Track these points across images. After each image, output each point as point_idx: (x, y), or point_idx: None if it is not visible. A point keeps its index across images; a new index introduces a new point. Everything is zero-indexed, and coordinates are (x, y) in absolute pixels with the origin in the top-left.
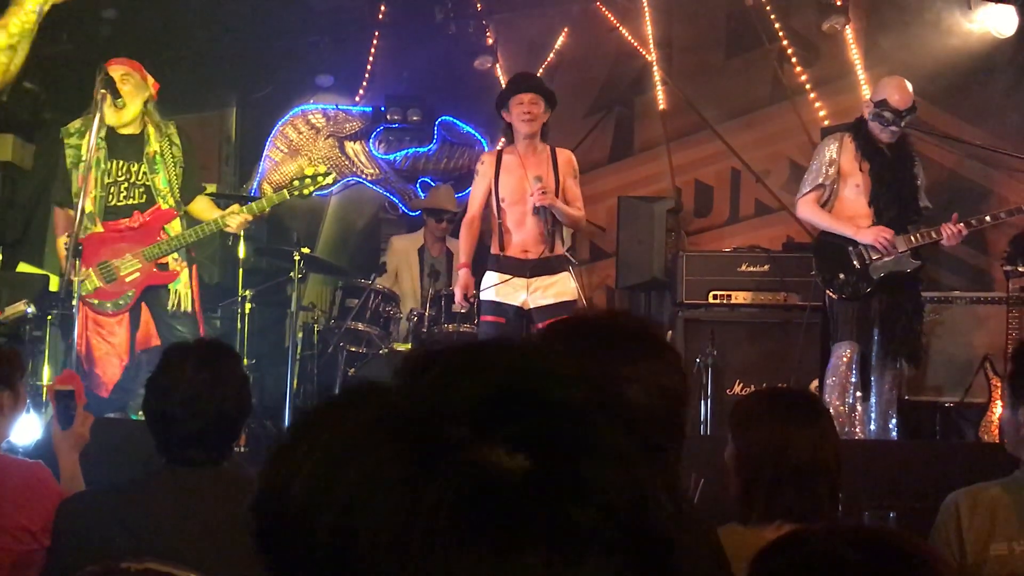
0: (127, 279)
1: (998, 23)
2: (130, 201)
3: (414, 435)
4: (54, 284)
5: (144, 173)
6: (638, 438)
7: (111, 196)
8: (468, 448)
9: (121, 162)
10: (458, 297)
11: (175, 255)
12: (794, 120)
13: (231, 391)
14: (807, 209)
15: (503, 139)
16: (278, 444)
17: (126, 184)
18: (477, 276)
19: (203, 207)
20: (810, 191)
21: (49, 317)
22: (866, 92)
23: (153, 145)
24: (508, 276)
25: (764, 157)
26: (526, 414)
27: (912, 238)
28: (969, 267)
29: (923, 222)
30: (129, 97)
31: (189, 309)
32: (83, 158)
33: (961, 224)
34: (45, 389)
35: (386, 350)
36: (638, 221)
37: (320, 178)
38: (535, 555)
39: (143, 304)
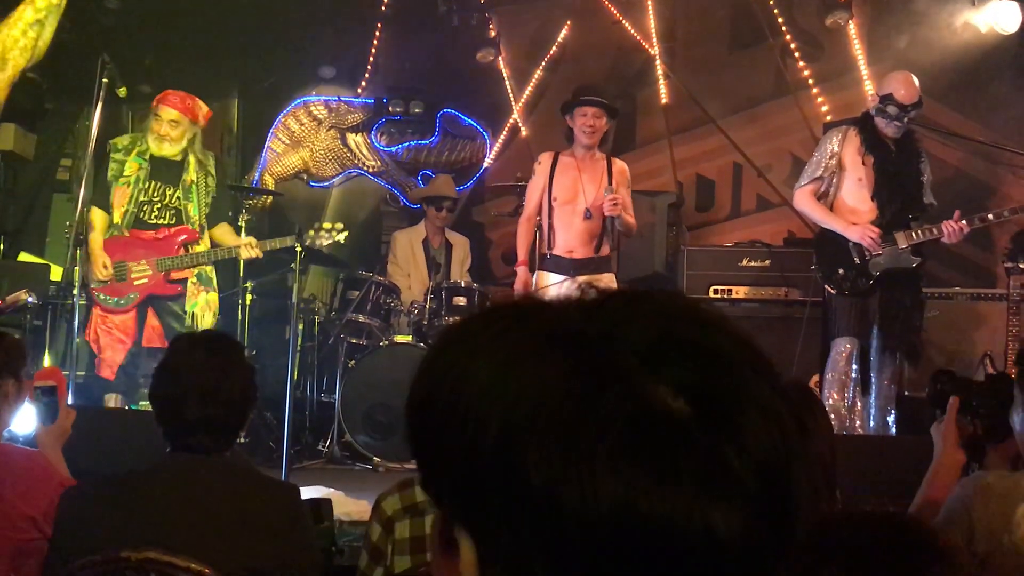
0: (135, 282)
1: (1003, 19)
2: (160, 221)
3: (588, 356)
4: (56, 274)
5: (178, 198)
6: (791, 405)
7: (144, 213)
8: (636, 380)
9: (159, 184)
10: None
11: (193, 279)
12: (797, 115)
13: (241, 380)
14: (803, 200)
15: (503, 135)
16: (442, 346)
17: (159, 205)
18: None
19: (223, 232)
20: (808, 183)
21: (48, 306)
22: (869, 88)
23: (191, 175)
24: (564, 276)
25: (766, 152)
26: (691, 361)
27: (913, 234)
28: (971, 263)
29: (927, 219)
30: (176, 138)
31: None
32: (124, 173)
33: (963, 222)
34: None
35: (386, 342)
36: (639, 215)
37: (335, 233)
38: (687, 489)
39: (150, 309)
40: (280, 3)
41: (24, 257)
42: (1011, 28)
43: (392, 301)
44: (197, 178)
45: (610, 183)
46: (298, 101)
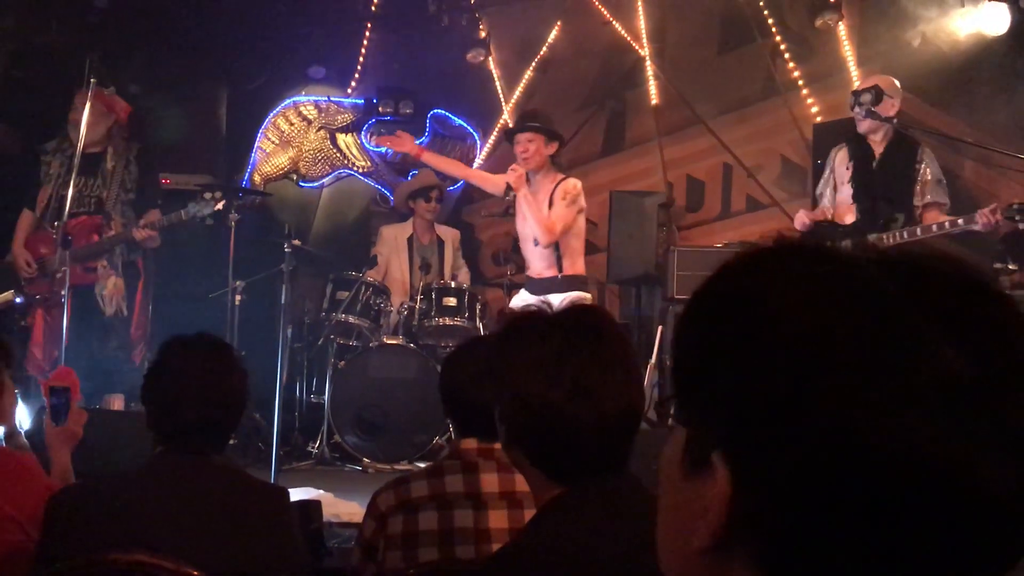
0: (56, 275)
1: (990, 21)
2: (81, 209)
3: (895, 311)
4: None
5: (98, 186)
6: None
7: (71, 205)
8: (937, 342)
9: (82, 178)
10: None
11: (104, 263)
12: (786, 116)
13: (238, 382)
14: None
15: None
16: (737, 273)
17: (78, 196)
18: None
19: (151, 217)
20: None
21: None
22: None
23: (109, 163)
24: (533, 296)
25: (756, 152)
26: (982, 331)
27: (885, 237)
28: None
29: (914, 219)
30: (91, 126)
31: (124, 312)
32: (49, 172)
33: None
34: (40, 383)
35: (376, 343)
36: (629, 216)
37: (214, 203)
38: (977, 446)
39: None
40: (269, 3)
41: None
42: (1000, 30)
43: (382, 302)
44: (115, 166)
45: (551, 206)
46: (288, 101)
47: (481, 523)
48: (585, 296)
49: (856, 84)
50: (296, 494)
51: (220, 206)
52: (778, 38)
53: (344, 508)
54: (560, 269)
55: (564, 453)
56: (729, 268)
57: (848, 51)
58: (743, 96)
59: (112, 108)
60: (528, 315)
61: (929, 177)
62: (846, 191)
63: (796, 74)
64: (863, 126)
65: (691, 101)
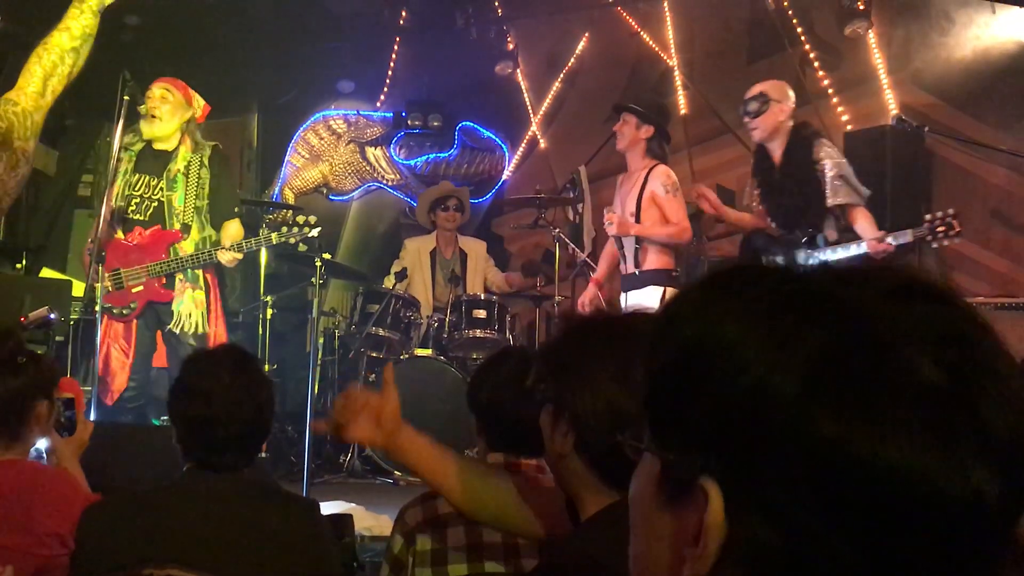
0: (132, 289)
1: (1021, 27)
2: (137, 216)
3: (861, 326)
4: (77, 289)
5: (161, 189)
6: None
7: (129, 208)
8: (907, 352)
9: (145, 176)
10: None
11: (180, 276)
12: (816, 124)
13: (265, 395)
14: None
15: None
16: (699, 303)
17: (138, 199)
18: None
19: (232, 231)
20: None
21: (71, 322)
22: (889, 96)
23: (179, 164)
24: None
25: None
26: (946, 337)
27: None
28: (995, 272)
29: (832, 222)
30: (166, 115)
31: (201, 331)
32: (120, 171)
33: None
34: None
35: (406, 355)
36: None
37: (307, 228)
38: (959, 454)
39: (158, 332)
40: (299, 18)
41: (46, 273)
42: None
43: (412, 314)
44: (187, 167)
45: (641, 194)
46: (317, 116)
47: (509, 538)
48: (655, 296)
49: (887, 92)
50: (327, 508)
51: (316, 232)
52: (807, 46)
53: (375, 522)
54: (638, 264)
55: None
56: (692, 296)
57: (878, 59)
58: None
59: (190, 101)
60: (607, 319)
61: (831, 174)
62: (757, 200)
63: (826, 82)
64: (755, 135)
65: (720, 111)
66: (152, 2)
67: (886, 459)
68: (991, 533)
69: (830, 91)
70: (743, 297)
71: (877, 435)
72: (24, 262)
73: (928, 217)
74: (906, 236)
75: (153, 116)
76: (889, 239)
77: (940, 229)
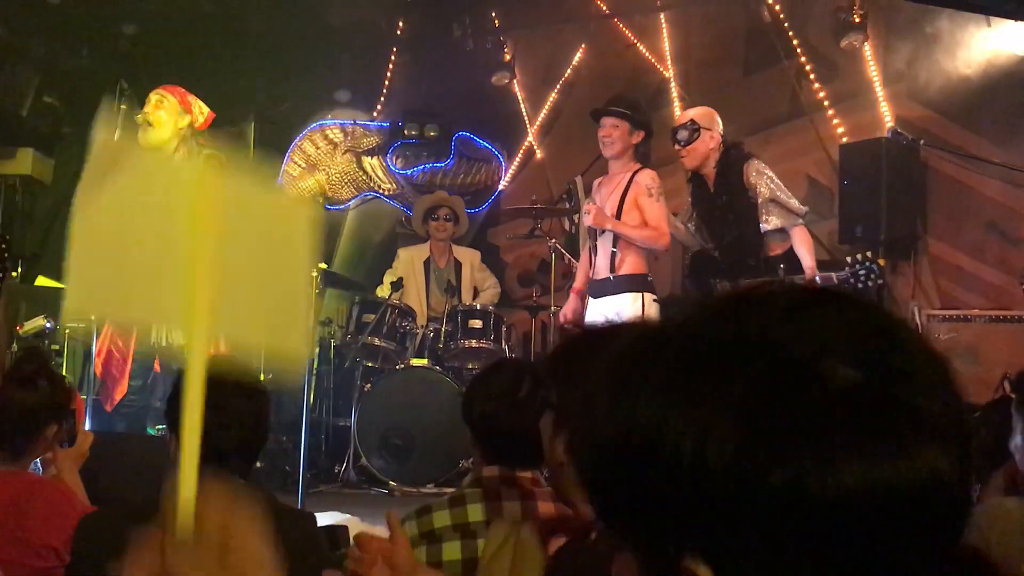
0: None
1: (1016, 40)
2: None
3: (781, 358)
4: None
5: None
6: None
7: None
8: (820, 367)
9: None
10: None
11: None
12: (812, 137)
13: (260, 408)
14: None
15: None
16: (616, 394)
17: None
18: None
19: None
20: None
21: (66, 331)
22: (884, 109)
23: None
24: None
25: (781, 173)
26: (859, 339)
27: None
28: (989, 285)
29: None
30: (158, 122)
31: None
32: None
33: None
34: None
35: (402, 365)
36: None
37: None
38: (910, 443)
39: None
40: (296, 28)
41: (42, 281)
42: None
43: (408, 324)
44: None
45: (623, 197)
46: (314, 125)
47: None
48: (632, 304)
49: (883, 104)
50: (322, 519)
51: None
52: (803, 59)
53: (370, 533)
54: (614, 269)
55: None
56: (602, 393)
57: (874, 71)
58: (769, 117)
59: (188, 108)
60: (613, 328)
61: (764, 196)
62: (694, 226)
63: (822, 95)
64: (686, 163)
65: None
66: (149, 12)
67: (838, 484)
68: (957, 503)
69: (826, 103)
70: (650, 379)
71: (819, 466)
72: (20, 270)
73: (849, 260)
74: (830, 280)
75: (149, 124)
76: (816, 278)
77: (862, 273)
